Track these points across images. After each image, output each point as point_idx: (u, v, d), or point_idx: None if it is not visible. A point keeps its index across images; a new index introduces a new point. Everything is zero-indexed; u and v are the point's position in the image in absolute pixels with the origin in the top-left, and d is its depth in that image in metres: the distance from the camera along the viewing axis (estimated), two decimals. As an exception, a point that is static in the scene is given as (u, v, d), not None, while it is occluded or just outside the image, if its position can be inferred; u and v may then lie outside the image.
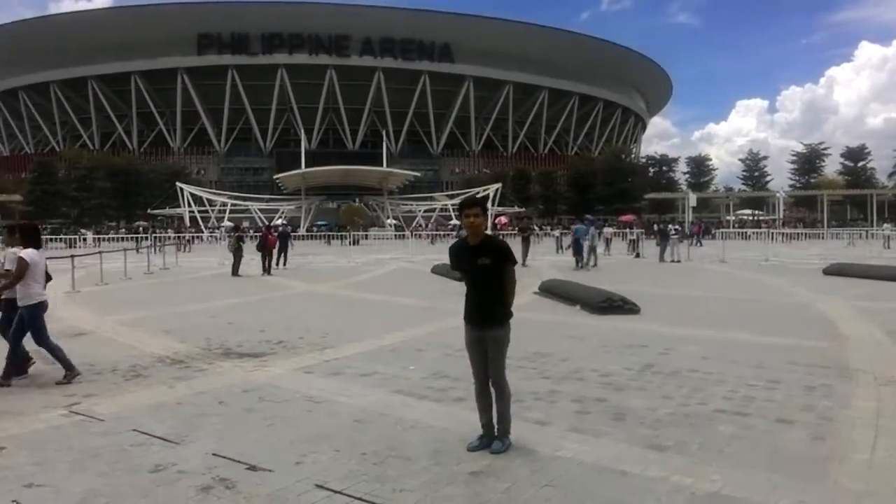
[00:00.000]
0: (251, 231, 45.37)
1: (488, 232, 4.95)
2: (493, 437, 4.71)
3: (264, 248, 21.72)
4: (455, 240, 6.76)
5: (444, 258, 24.13)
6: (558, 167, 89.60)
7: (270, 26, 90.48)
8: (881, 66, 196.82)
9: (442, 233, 51.34)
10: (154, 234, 48.24)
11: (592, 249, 24.07)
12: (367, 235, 51.18)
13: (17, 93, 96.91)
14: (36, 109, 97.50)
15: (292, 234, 43.35)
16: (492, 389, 4.76)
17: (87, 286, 17.30)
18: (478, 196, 5.62)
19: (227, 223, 56.57)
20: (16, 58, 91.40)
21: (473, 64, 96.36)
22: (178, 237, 44.38)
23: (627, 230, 35.46)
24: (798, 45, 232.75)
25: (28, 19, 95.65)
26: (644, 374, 7.02)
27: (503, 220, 62.79)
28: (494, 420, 4.77)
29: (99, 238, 47.31)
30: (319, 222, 65.25)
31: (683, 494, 3.90)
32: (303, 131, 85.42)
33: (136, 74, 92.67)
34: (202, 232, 56.22)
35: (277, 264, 23.36)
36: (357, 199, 77.45)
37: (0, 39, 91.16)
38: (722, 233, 41.05)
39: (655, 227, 33.89)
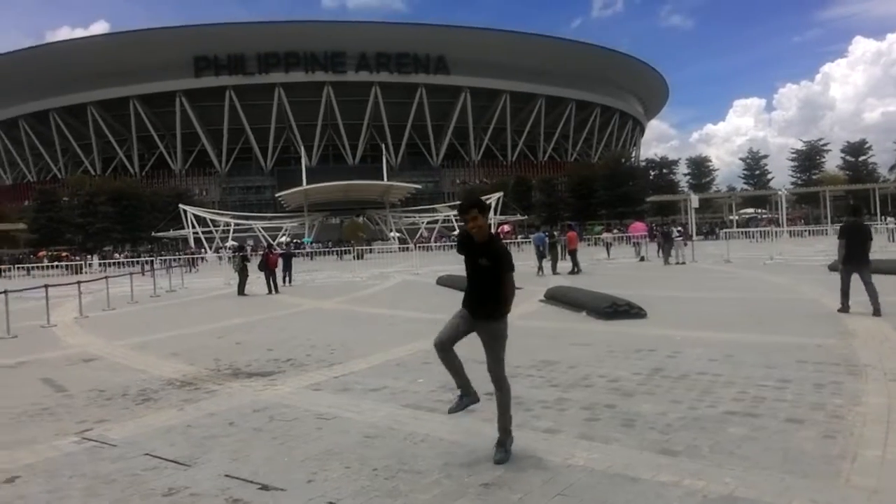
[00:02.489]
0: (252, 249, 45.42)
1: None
2: (471, 395, 4.92)
3: (266, 268, 21.82)
4: None
5: (449, 269, 24.17)
6: (558, 174, 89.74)
7: (266, 46, 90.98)
8: (876, 61, 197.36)
9: (447, 244, 51.43)
10: (160, 257, 48.33)
11: (573, 253, 24.13)
12: (371, 249, 51.20)
13: (17, 121, 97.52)
14: (37, 137, 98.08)
15: (297, 251, 43.65)
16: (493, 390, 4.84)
17: (95, 311, 17.37)
18: (474, 197, 5.18)
19: (231, 243, 56.71)
20: (15, 87, 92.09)
21: (469, 75, 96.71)
22: (188, 258, 44.52)
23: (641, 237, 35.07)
24: (792, 43, 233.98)
25: (26, 48, 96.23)
26: (653, 379, 7.01)
27: (506, 227, 62.83)
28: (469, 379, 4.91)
29: (105, 263, 47.41)
30: (305, 239, 64.61)
31: (696, 498, 3.90)
32: (303, 148, 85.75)
33: (134, 99, 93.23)
34: (206, 252, 56.42)
35: (285, 282, 23.57)
36: (360, 214, 77.62)
37: (0, 69, 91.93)
38: (726, 232, 40.99)
39: (658, 229, 33.87)
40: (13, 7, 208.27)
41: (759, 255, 27.18)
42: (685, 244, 27.84)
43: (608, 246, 34.67)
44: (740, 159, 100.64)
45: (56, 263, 48.01)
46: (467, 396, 4.92)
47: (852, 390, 6.16)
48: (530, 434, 5.25)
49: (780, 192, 59.42)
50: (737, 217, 73.75)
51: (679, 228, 29.87)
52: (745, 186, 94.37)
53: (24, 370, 9.43)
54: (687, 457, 4.60)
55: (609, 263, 29.34)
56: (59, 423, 6.35)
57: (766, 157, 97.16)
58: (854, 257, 10.78)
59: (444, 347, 4.81)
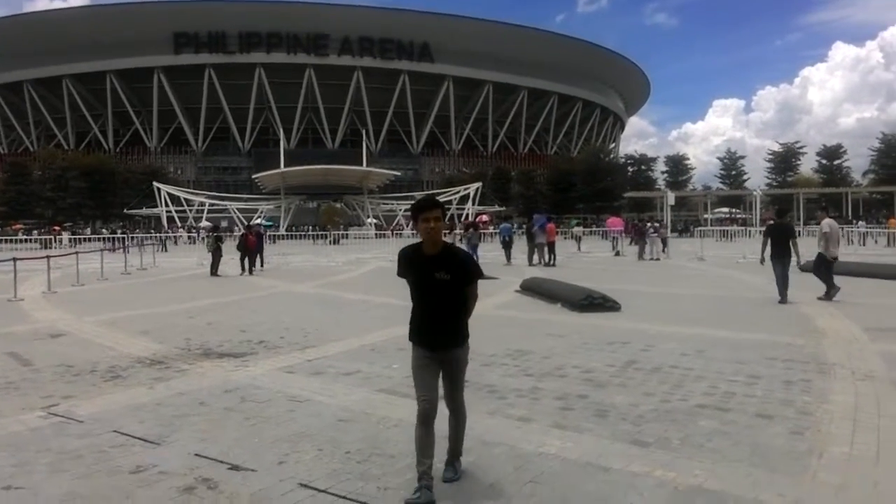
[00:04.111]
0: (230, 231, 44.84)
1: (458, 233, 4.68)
2: (431, 479, 3.80)
3: (245, 248, 21.60)
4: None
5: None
6: (538, 166, 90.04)
7: (248, 25, 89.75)
8: (854, 67, 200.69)
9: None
10: (131, 234, 47.65)
11: (542, 246, 24.15)
12: (346, 235, 50.94)
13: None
14: (9, 109, 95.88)
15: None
16: (449, 417, 4.12)
17: (64, 287, 17.06)
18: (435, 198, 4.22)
19: (204, 223, 56.03)
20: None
21: (453, 63, 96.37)
22: (165, 236, 43.92)
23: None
24: (773, 46, 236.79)
25: (1, 17, 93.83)
26: (626, 371, 7.07)
27: (484, 217, 62.90)
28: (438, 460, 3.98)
29: (75, 239, 46.61)
30: (266, 223, 62.17)
31: (666, 489, 3.93)
32: (282, 131, 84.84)
33: (111, 73, 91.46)
34: (182, 232, 55.69)
35: (255, 265, 23.20)
36: (337, 199, 77.12)
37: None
38: (700, 231, 41.45)
39: (633, 225, 34.16)
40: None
41: (733, 253, 27.53)
42: (663, 241, 28.17)
43: (578, 240, 35.00)
44: (717, 159, 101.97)
45: (31, 237, 47.11)
46: (427, 488, 3.73)
47: (821, 388, 6.27)
48: (504, 421, 5.26)
49: (754, 193, 60.24)
50: (711, 216, 74.67)
51: (656, 224, 30.12)
52: (721, 186, 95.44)
53: (-10, 343, 9.23)
54: (658, 448, 4.63)
55: (584, 257, 29.51)
56: (25, 398, 6.23)
57: (743, 157, 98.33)
58: (778, 252, 12.44)
59: (431, 417, 3.88)
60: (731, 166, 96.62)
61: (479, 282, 4.16)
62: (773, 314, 11.29)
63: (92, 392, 6.45)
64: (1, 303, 13.70)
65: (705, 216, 74.21)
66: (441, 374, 4.00)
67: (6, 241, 47.04)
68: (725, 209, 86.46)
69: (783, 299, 12.26)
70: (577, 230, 37.54)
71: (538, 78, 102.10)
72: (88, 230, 58.09)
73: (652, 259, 26.03)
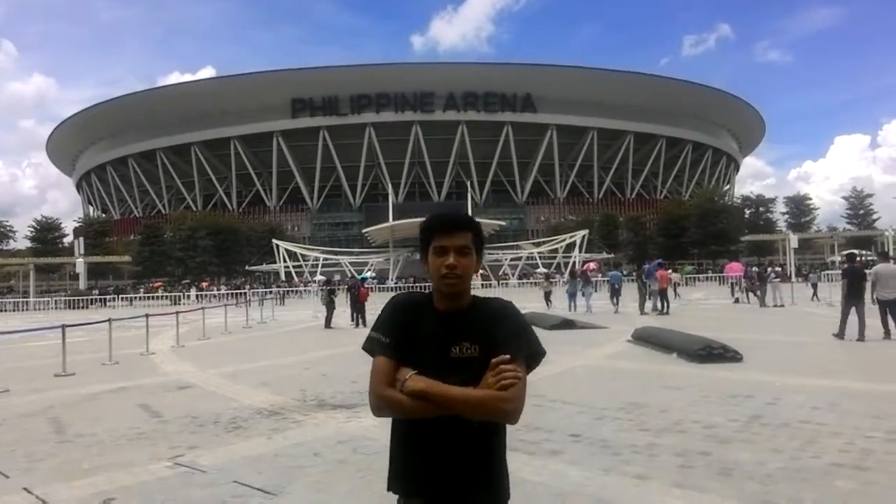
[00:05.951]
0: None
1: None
2: None
3: (354, 302, 22.20)
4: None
5: (530, 306, 23.76)
6: (647, 211, 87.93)
7: (359, 88, 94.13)
8: None
9: (531, 280, 51.17)
10: (253, 290, 50.26)
11: (655, 293, 23.39)
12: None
13: (127, 160, 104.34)
14: (144, 175, 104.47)
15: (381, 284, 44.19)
16: None
17: (191, 341, 18.09)
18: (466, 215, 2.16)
19: (319, 277, 58.19)
20: (127, 128, 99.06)
21: (556, 112, 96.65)
22: (283, 291, 46.15)
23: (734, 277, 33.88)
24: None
25: (138, 92, 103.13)
26: (751, 426, 6.64)
27: (592, 265, 61.73)
28: None
29: (201, 295, 49.62)
30: (368, 275, 58.61)
31: (801, 557, 3.62)
32: (390, 185, 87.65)
33: (235, 139, 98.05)
34: (298, 286, 58.14)
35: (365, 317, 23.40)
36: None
37: (114, 111, 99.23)
38: (827, 275, 38.90)
39: (753, 270, 32.44)
40: (130, 54, 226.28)
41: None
42: (813, 287, 27.10)
43: (675, 286, 33.10)
44: (843, 198, 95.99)
45: (162, 294, 50.65)
46: None
47: (978, 447, 5.64)
48: (620, 479, 5.04)
49: (886, 233, 56.04)
50: (839, 258, 69.95)
51: (777, 269, 28.54)
52: (849, 227, 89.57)
53: (124, 395, 9.88)
54: (790, 511, 4.29)
55: (700, 304, 28.28)
56: (154, 448, 6.58)
57: (870, 195, 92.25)
58: (854, 294, 13.64)
59: None
60: (859, 205, 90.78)
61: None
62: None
63: (215, 442, 6.74)
64: (134, 356, 14.67)
65: (832, 259, 69.62)
66: None
67: (139, 298, 50.81)
68: (855, 251, 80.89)
69: (840, 334, 13.57)
70: (675, 276, 35.53)
71: (644, 122, 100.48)
72: (220, 286, 61.98)
73: (776, 306, 24.61)
